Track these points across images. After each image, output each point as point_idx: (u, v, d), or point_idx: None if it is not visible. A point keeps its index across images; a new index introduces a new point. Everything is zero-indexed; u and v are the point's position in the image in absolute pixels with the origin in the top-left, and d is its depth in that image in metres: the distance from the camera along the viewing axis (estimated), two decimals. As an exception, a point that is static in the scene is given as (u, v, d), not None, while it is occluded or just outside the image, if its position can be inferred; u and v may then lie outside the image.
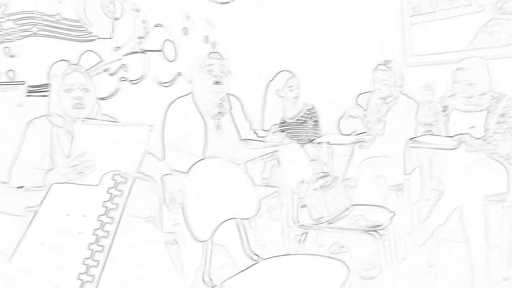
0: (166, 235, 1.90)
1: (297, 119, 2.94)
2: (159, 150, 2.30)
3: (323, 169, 2.74)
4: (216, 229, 1.74)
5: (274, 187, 2.57)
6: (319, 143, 2.75)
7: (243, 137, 2.45)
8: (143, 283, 1.61)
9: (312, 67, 3.06)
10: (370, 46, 3.07)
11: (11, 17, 1.99)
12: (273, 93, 2.92)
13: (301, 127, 2.92)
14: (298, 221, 2.15)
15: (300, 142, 2.77)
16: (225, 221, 1.78)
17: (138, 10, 2.47)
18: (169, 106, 2.37)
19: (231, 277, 1.67)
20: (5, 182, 1.78)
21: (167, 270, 1.71)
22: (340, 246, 2.59)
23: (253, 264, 1.77)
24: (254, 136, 2.57)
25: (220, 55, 2.46)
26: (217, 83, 2.38)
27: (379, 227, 2.00)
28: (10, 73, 1.99)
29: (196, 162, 1.83)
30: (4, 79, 1.98)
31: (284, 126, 2.92)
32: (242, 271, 1.72)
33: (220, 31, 2.86)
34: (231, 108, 2.52)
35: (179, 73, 2.65)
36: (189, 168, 1.82)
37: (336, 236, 2.60)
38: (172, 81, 2.62)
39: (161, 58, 2.58)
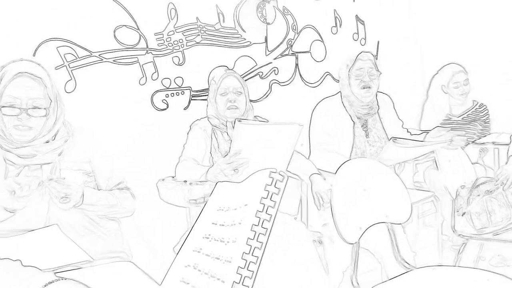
0: (313, 234, 1.92)
1: (464, 118, 2.65)
2: (306, 149, 2.34)
3: (487, 173, 2.44)
4: (365, 231, 1.69)
5: (428, 191, 2.39)
6: (482, 143, 2.46)
7: (393, 136, 2.33)
8: (291, 279, 1.65)
9: (483, 62, 2.73)
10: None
11: (179, 29, 2.24)
12: (438, 89, 2.67)
13: (468, 127, 2.62)
14: (456, 230, 1.96)
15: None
16: (374, 224, 1.72)
17: (288, 13, 2.54)
18: (317, 106, 2.39)
19: (380, 283, 1.60)
20: (172, 177, 2.02)
21: (315, 268, 1.73)
22: (503, 259, 2.28)
23: (405, 273, 1.66)
24: (406, 135, 2.42)
25: (371, 54, 2.37)
26: (365, 87, 2.32)
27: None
28: (178, 80, 2.24)
29: (344, 163, 1.80)
30: (173, 86, 2.24)
31: (449, 124, 2.65)
32: (392, 278, 1.64)
33: (370, 27, 2.77)
34: (378, 108, 2.43)
35: (328, 72, 2.64)
36: (337, 169, 1.80)
37: (497, 247, 2.29)
38: (320, 81, 2.63)
39: (309, 59, 2.61)
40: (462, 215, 1.93)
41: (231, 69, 2.16)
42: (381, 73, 2.37)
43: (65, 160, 1.61)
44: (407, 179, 2.42)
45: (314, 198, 2.03)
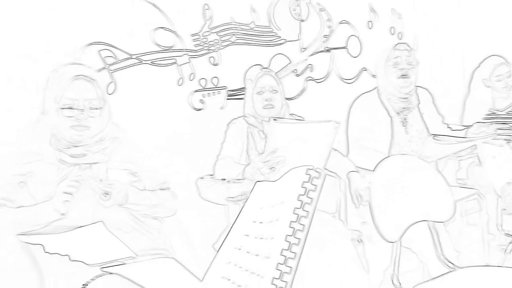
0: (352, 232, 1.90)
1: (508, 112, 2.54)
2: (343, 147, 2.31)
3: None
4: (406, 230, 1.65)
5: (472, 188, 2.30)
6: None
7: (432, 133, 2.26)
8: (330, 278, 1.64)
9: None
10: None
11: (214, 30, 2.26)
12: (479, 83, 2.57)
13: (512, 121, 2.51)
14: (503, 229, 1.88)
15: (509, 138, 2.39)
16: (416, 223, 1.68)
17: (323, 10, 2.52)
18: (353, 102, 2.35)
19: (422, 283, 1.56)
20: (211, 175, 2.05)
21: (355, 267, 1.71)
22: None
23: (448, 272, 1.62)
24: (447, 131, 2.35)
25: (408, 46, 2.32)
26: (403, 76, 2.26)
27: None
28: (214, 80, 2.27)
29: (383, 159, 1.77)
30: (209, 86, 2.27)
31: (492, 118, 2.55)
32: (435, 278, 1.60)
33: (407, 21, 2.70)
34: (419, 103, 2.36)
35: (364, 68, 2.60)
36: (376, 165, 1.77)
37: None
38: (356, 77, 2.60)
39: (345, 54, 2.58)
40: (508, 214, 1.85)
41: (267, 68, 2.17)
42: (418, 62, 2.31)
43: (112, 160, 1.69)
44: (450, 176, 2.34)
45: (352, 196, 2.01)
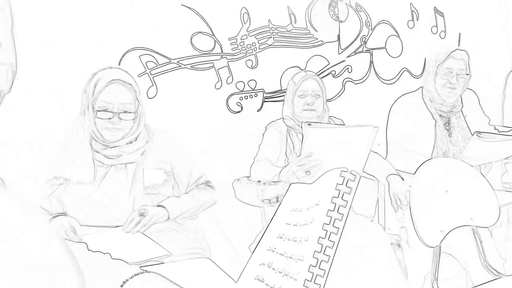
0: (391, 237, 1.85)
1: None
2: (383, 149, 2.26)
3: None
4: (447, 235, 1.60)
5: (519, 193, 2.20)
6: None
7: (476, 130, 2.17)
8: (368, 282, 1.61)
9: None
10: None
11: (252, 33, 2.29)
12: None
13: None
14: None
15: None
16: (458, 227, 1.62)
17: (361, 10, 2.48)
18: (394, 103, 2.30)
19: (465, 290, 1.51)
20: (247, 177, 2.06)
21: (393, 272, 1.67)
22: None
23: (493, 280, 1.55)
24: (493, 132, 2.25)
25: (466, 55, 2.21)
26: (450, 87, 2.19)
27: None
28: (251, 83, 2.29)
29: (424, 162, 1.73)
30: (247, 88, 2.29)
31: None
32: (478, 285, 1.54)
33: (450, 19, 2.62)
34: (462, 106, 2.28)
35: (405, 68, 2.54)
36: (417, 168, 1.73)
37: None
38: (396, 77, 2.54)
39: (385, 55, 2.53)
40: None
41: (312, 72, 2.16)
42: (470, 76, 2.22)
43: (147, 160, 1.74)
44: (495, 180, 2.25)
45: (391, 200, 1.96)
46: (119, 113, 1.68)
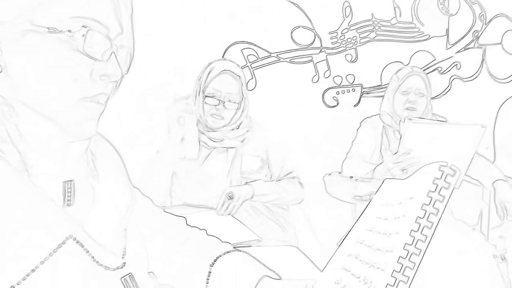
0: (493, 247, 1.71)
1: None
2: (491, 153, 2.09)
3: None
4: None
5: None
6: None
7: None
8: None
9: None
10: None
11: (353, 27, 2.25)
12: None
13: None
14: None
15: None
16: None
17: (475, 2, 2.30)
18: (505, 102, 2.11)
19: None
20: (339, 172, 2.04)
21: (494, 285, 1.54)
22: None
23: None
24: None
25: None
26: None
27: None
28: (350, 77, 2.26)
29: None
30: (345, 83, 2.26)
31: None
32: None
33: None
34: None
35: (524, 67, 2.31)
36: (529, 176, 1.56)
37: None
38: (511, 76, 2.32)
39: (500, 51, 2.32)
40: None
41: (419, 68, 2.07)
42: None
43: (246, 147, 1.87)
44: None
45: (497, 208, 1.81)
46: (225, 101, 1.81)
